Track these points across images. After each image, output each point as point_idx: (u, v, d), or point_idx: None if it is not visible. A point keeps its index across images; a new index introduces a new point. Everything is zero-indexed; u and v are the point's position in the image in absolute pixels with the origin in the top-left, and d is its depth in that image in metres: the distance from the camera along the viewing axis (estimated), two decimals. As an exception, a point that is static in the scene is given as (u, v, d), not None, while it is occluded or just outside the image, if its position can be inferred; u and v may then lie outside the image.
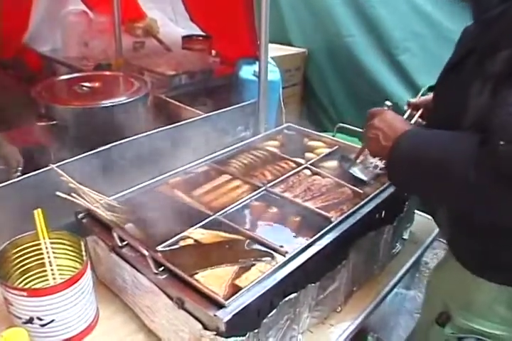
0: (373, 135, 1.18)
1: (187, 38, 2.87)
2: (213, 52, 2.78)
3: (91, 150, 1.53)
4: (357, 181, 1.45)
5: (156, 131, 1.62)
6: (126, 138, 1.60)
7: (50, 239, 1.17)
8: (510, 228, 1.00)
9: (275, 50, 3.04)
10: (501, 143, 0.84)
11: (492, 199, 0.92)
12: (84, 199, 1.22)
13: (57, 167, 1.27)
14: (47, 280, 1.21)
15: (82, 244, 1.17)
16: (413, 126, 1.20)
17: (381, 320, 1.89)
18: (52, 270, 1.17)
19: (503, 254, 1.08)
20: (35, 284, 1.23)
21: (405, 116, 1.42)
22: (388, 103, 1.32)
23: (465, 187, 0.93)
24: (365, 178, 1.45)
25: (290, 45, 3.56)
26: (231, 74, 2.63)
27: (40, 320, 1.10)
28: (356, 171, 1.47)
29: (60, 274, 1.19)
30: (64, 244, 1.21)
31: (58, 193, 1.20)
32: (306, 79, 3.62)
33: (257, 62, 2.32)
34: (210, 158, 1.53)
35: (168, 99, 2.21)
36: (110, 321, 1.25)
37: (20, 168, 1.56)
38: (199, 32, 2.96)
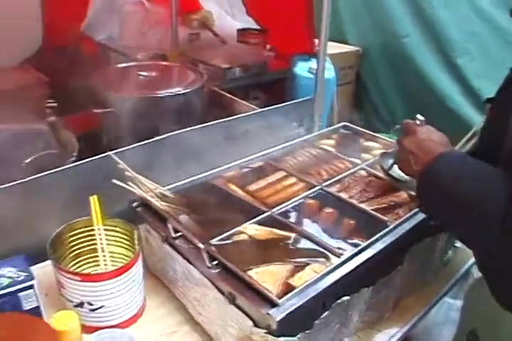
0: (404, 157, 1.14)
1: (242, 31, 2.85)
2: (267, 46, 2.76)
3: (145, 139, 1.54)
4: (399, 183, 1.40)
5: (211, 123, 1.61)
6: (180, 129, 1.60)
7: (104, 225, 1.18)
8: None
9: (329, 47, 2.98)
10: None
11: None
12: (140, 188, 1.22)
13: (112, 154, 1.27)
14: (98, 265, 1.22)
15: (136, 233, 1.17)
16: (447, 146, 1.13)
17: (425, 328, 1.84)
18: (104, 256, 1.18)
19: None
20: (85, 269, 1.24)
21: None
22: (420, 117, 1.23)
23: (490, 236, 0.88)
24: (405, 179, 1.37)
25: (344, 42, 3.52)
26: (285, 69, 2.62)
27: (90, 304, 1.10)
28: (396, 171, 1.39)
29: (112, 261, 1.19)
30: (117, 231, 1.21)
31: (115, 181, 1.20)
32: (358, 78, 3.57)
33: (313, 59, 2.30)
34: (265, 154, 1.51)
35: (221, 91, 2.21)
36: (156, 311, 1.25)
37: (75, 154, 1.57)
38: (254, 26, 2.95)
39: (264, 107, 1.89)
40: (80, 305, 1.10)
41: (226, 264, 1.04)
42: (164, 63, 1.97)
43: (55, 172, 1.31)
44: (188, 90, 1.75)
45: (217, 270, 1.05)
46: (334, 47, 3.33)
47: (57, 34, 3.12)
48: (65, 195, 1.34)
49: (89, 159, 1.35)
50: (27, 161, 1.62)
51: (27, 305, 1.09)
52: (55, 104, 1.55)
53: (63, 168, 1.33)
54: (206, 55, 2.58)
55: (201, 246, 1.04)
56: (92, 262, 1.24)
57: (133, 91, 1.72)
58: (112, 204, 1.28)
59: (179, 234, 1.13)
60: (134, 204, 1.24)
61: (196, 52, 2.65)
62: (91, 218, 1.17)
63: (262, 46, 2.74)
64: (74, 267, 1.21)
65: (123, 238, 1.21)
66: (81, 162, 1.35)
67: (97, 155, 1.52)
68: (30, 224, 1.31)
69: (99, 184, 1.33)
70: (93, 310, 1.11)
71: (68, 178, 1.33)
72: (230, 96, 2.17)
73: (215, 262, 1.06)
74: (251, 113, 1.76)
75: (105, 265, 1.18)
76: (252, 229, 1.16)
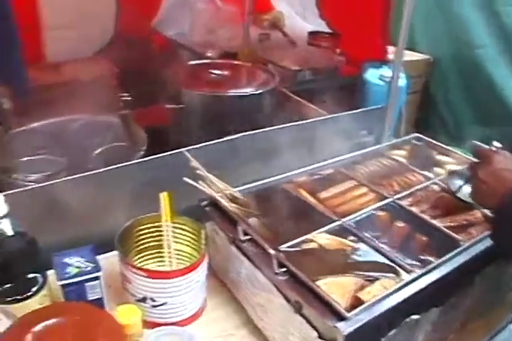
0: (478, 187, 1.08)
1: (313, 34, 2.82)
2: (338, 50, 2.73)
3: (213, 138, 1.54)
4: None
5: (283, 126, 1.59)
6: (249, 130, 1.59)
7: (172, 222, 1.17)
8: None
9: (401, 54, 2.94)
10: None
11: None
12: (210, 188, 1.22)
13: (185, 151, 1.27)
14: (162, 261, 1.22)
15: (203, 232, 1.17)
16: None
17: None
18: (169, 253, 1.18)
19: None
20: (149, 264, 1.24)
21: None
22: (497, 144, 1.18)
23: None
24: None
25: (414, 50, 3.43)
26: (355, 75, 2.57)
27: (153, 300, 1.10)
28: (464, 194, 1.31)
29: (177, 258, 1.19)
30: (185, 229, 1.21)
31: (186, 179, 1.20)
32: (426, 88, 3.47)
33: (384, 66, 2.25)
34: (336, 161, 1.48)
35: (290, 93, 2.19)
36: (215, 312, 1.23)
37: (144, 148, 1.58)
38: (325, 29, 2.91)
39: (330, 112, 1.86)
40: (143, 300, 1.11)
41: (295, 272, 1.02)
42: (236, 62, 1.96)
43: (127, 165, 1.32)
44: (261, 91, 1.74)
45: (285, 277, 1.03)
46: (405, 55, 3.26)
47: (130, 27, 3.17)
48: (135, 188, 1.35)
49: (162, 154, 1.35)
50: (97, 152, 1.64)
51: (91, 296, 1.10)
52: (128, 98, 1.56)
53: (136, 161, 1.34)
54: (276, 55, 2.57)
55: (272, 251, 1.03)
56: (156, 257, 1.24)
57: (205, 89, 1.72)
58: (178, 200, 1.28)
59: (248, 237, 1.12)
60: (203, 203, 1.24)
61: (266, 53, 2.64)
62: (159, 214, 1.17)
63: (333, 50, 2.70)
64: (138, 261, 1.22)
65: (189, 236, 1.21)
66: (154, 157, 1.35)
67: (164, 150, 1.53)
68: (98, 214, 1.33)
69: (168, 179, 1.34)
70: (155, 306, 1.11)
71: (140, 172, 1.34)
72: (298, 99, 2.15)
73: (284, 269, 1.04)
74: (323, 118, 1.73)
75: (170, 262, 1.18)
76: (322, 238, 1.14)
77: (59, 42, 3.05)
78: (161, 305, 1.11)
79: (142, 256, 1.24)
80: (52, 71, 2.92)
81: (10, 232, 0.95)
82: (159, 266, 1.23)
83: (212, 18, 3.10)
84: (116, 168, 1.30)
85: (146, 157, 1.54)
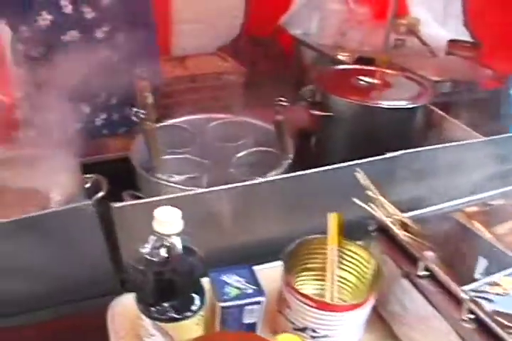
0: None
1: (454, 42, 2.65)
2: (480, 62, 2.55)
3: (363, 152, 1.44)
4: None
5: (442, 145, 1.45)
6: (401, 146, 1.47)
7: (338, 246, 1.08)
8: None
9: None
10: None
11: None
12: (379, 211, 1.11)
13: (358, 169, 1.16)
14: (321, 285, 1.12)
15: (374, 264, 1.05)
16: None
17: None
18: (332, 279, 1.08)
19: None
20: (306, 285, 1.15)
21: None
22: None
23: None
24: None
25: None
26: (499, 89, 2.38)
27: (314, 331, 1.01)
28: None
29: (339, 286, 1.09)
30: (352, 256, 1.10)
31: (356, 200, 1.10)
32: None
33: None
34: (507, 191, 1.33)
35: (431, 106, 2.04)
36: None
37: (291, 155, 1.50)
38: (466, 37, 2.73)
39: (477, 130, 1.70)
40: (302, 329, 1.01)
41: (486, 322, 0.90)
42: (388, 71, 1.83)
43: (289, 177, 1.23)
44: (416, 105, 1.61)
45: (473, 326, 0.91)
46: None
47: (257, 25, 3.13)
48: (290, 200, 1.27)
49: (327, 168, 1.25)
50: (238, 155, 1.58)
51: (247, 319, 1.02)
52: (285, 103, 1.48)
53: (299, 173, 1.24)
54: (414, 63, 2.42)
55: (464, 296, 0.91)
56: (316, 279, 1.14)
57: (355, 98, 1.61)
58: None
59: (427, 273, 1.00)
60: (371, 227, 1.13)
61: (401, 60, 2.50)
62: (325, 236, 1.08)
63: (475, 61, 2.53)
64: (297, 283, 1.13)
65: (356, 264, 1.10)
66: (320, 169, 1.25)
67: (310, 160, 1.45)
68: (248, 226, 1.26)
69: (325, 193, 1.26)
70: (315, 337, 1.01)
71: (298, 183, 1.25)
72: (440, 113, 1.99)
73: (472, 316, 0.92)
74: (482, 139, 1.57)
75: (331, 288, 1.08)
76: (509, 283, 1.00)
77: (185, 36, 3.06)
78: (322, 337, 1.01)
79: (302, 279, 1.15)
80: (177, 65, 2.93)
81: (180, 248, 0.88)
82: (317, 289, 1.14)
83: (343, 20, 2.99)
84: (280, 179, 1.22)
85: (293, 166, 1.47)
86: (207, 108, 2.24)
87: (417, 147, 1.43)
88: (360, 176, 1.14)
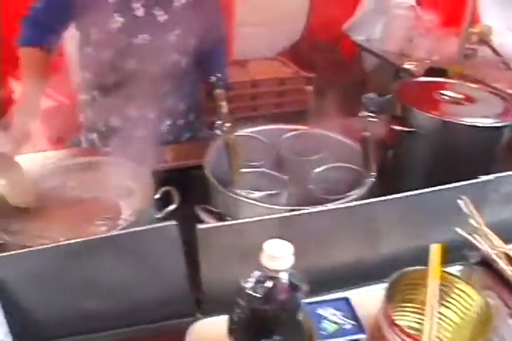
0: None
1: (529, 54, 2.53)
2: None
3: (440, 172, 1.37)
4: None
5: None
6: (487, 168, 1.37)
7: (441, 280, 1.00)
8: None
9: None
10: None
11: None
12: (483, 242, 1.03)
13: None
14: (419, 318, 1.05)
15: (482, 302, 0.97)
16: None
17: None
18: (431, 314, 1.00)
19: None
20: (403, 316, 1.08)
21: None
22: None
23: None
24: None
25: None
26: None
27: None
28: None
29: (438, 323, 1.01)
30: (455, 292, 1.02)
31: (459, 230, 1.02)
32: None
33: None
34: None
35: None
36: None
37: (373, 173, 1.42)
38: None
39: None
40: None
41: None
42: (471, 85, 1.73)
43: (383, 200, 1.15)
44: (505, 124, 1.51)
45: None
46: None
47: (320, 29, 3.06)
48: (378, 224, 1.20)
49: (428, 190, 1.16)
50: (317, 170, 1.51)
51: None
52: (373, 119, 1.41)
53: (402, 195, 1.15)
54: (487, 75, 2.31)
55: None
56: (413, 312, 1.07)
57: (439, 113, 1.52)
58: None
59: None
60: (473, 260, 1.05)
61: (473, 71, 2.39)
62: (426, 268, 1.01)
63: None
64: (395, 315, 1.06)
65: (458, 301, 1.02)
66: (422, 191, 1.15)
67: (383, 176, 1.38)
68: (334, 250, 1.20)
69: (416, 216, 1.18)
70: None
71: (394, 206, 1.18)
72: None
73: None
74: None
75: (430, 323, 1.00)
76: None
77: (246, 39, 3.01)
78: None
79: (399, 307, 1.08)
80: (239, 69, 2.88)
81: (287, 285, 0.81)
82: (413, 321, 1.07)
83: (410, 27, 2.90)
84: (384, 200, 1.14)
85: (376, 184, 1.39)
86: (270, 116, 2.19)
87: (503, 168, 1.34)
88: (464, 203, 1.06)
